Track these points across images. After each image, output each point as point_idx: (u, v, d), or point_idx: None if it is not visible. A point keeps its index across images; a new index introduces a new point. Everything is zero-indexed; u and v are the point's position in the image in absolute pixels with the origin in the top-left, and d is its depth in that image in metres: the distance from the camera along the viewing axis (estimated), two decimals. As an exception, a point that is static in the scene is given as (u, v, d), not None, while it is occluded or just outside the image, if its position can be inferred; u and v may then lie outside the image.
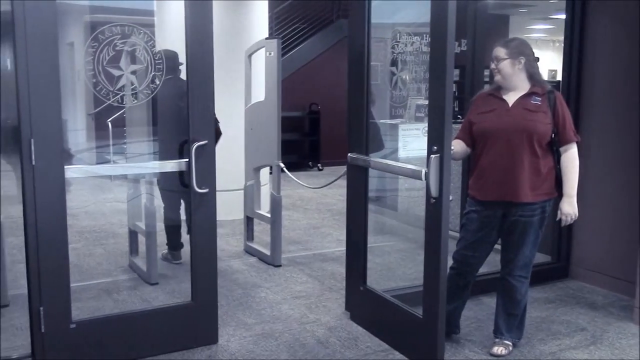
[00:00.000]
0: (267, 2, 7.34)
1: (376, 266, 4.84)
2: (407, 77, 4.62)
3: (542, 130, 3.40)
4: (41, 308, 3.27)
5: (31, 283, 3.25)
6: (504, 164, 3.42)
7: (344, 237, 4.31)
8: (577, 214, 3.51)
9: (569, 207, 3.49)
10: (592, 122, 4.80)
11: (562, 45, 4.98)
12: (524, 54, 3.47)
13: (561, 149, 3.49)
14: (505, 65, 3.46)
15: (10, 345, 3.70)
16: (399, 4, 4.98)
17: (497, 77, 3.51)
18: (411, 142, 4.81)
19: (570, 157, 3.48)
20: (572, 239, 5.01)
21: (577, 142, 3.51)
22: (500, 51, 3.48)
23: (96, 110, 5.63)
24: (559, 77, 5.08)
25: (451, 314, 3.69)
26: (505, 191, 3.45)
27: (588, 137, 4.82)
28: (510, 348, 3.67)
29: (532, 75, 3.50)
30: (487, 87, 3.94)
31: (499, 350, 3.64)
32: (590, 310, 4.39)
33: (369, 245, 4.06)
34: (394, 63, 4.42)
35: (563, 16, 4.97)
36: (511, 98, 3.49)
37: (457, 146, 3.53)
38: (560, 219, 3.54)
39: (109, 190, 7.81)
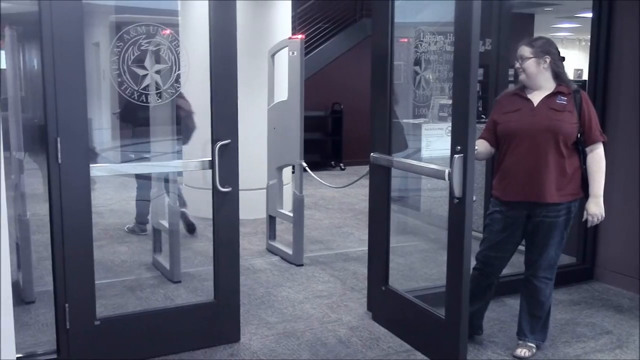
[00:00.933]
0: (290, 2, 7.35)
1: (398, 266, 4.82)
2: (431, 77, 4.60)
3: (567, 130, 3.36)
4: (66, 305, 3.31)
5: (57, 280, 3.29)
6: (529, 164, 3.38)
7: (366, 236, 4.30)
8: (603, 215, 3.47)
9: (596, 208, 3.44)
10: (618, 122, 4.74)
11: (589, 44, 4.92)
12: (550, 53, 3.42)
13: (587, 149, 3.43)
14: (530, 65, 3.41)
15: (35, 341, 3.76)
16: (423, 3, 4.96)
17: (522, 77, 3.47)
18: (434, 142, 4.79)
19: (597, 157, 3.42)
20: (597, 240, 4.94)
21: (603, 142, 3.46)
22: (525, 50, 3.43)
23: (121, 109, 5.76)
24: (585, 77, 5.02)
25: (474, 315, 3.67)
26: (530, 191, 3.40)
27: (614, 137, 4.75)
28: (534, 350, 3.63)
29: (558, 74, 3.45)
30: (511, 87, 3.90)
31: (522, 352, 3.60)
32: (615, 313, 4.33)
33: (391, 245, 4.05)
34: (417, 62, 4.40)
35: (590, 15, 4.91)
36: (536, 98, 3.44)
37: (481, 146, 3.50)
38: (587, 220, 3.50)
39: (134, 188, 7.88)
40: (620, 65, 4.72)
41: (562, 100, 3.41)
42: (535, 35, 3.87)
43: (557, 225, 3.44)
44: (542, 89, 3.45)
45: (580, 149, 3.43)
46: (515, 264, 3.94)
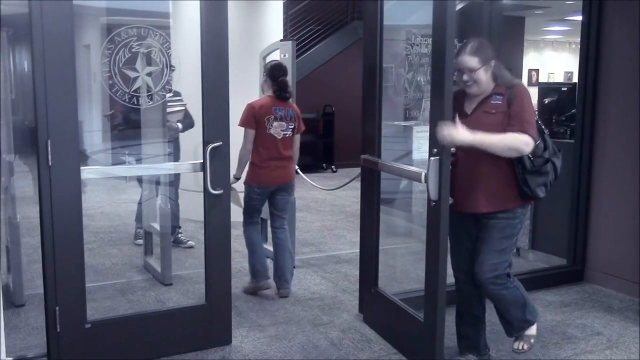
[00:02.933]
0: (282, 4, 7.36)
1: (390, 268, 4.83)
2: (422, 79, 4.61)
3: (497, 133, 3.10)
4: (57, 308, 3.29)
5: (47, 283, 3.28)
6: (464, 174, 3.23)
7: (357, 239, 4.31)
8: (452, 140, 3.03)
9: (455, 132, 3.01)
10: (607, 124, 4.77)
11: (579, 47, 4.94)
12: (492, 56, 3.19)
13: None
14: (480, 75, 3.16)
15: (26, 344, 3.73)
16: (415, 6, 4.98)
17: (474, 89, 3.19)
18: (425, 144, 4.80)
19: (507, 134, 3.07)
20: (587, 241, 4.97)
21: (527, 135, 3.08)
22: (471, 61, 3.15)
23: (112, 111, 5.72)
24: (575, 79, 5.05)
25: (475, 335, 3.52)
26: (465, 204, 3.26)
27: (604, 139, 4.78)
28: (531, 341, 3.60)
29: (497, 76, 3.23)
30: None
31: (519, 345, 3.61)
32: (606, 314, 4.36)
33: (385, 247, 4.06)
34: (407, 65, 4.42)
35: (580, 17, 4.94)
36: (473, 103, 3.24)
37: None
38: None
39: (124, 191, 7.85)
40: (610, 67, 4.75)
41: (496, 100, 3.19)
42: (526, 38, 3.72)
43: (498, 229, 3.25)
44: (483, 94, 3.24)
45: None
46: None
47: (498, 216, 3.25)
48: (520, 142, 3.09)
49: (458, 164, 3.24)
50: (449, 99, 3.07)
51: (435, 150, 3.12)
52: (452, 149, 3.16)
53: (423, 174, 3.19)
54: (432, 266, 3.26)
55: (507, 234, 3.29)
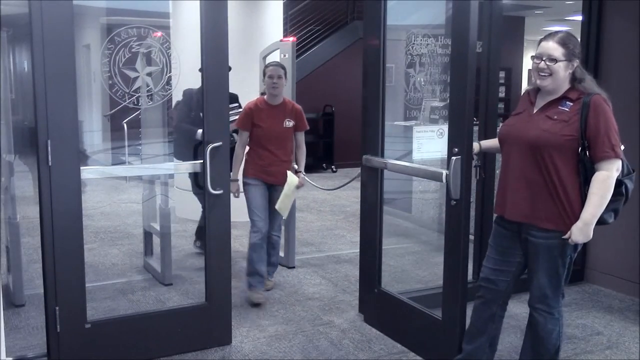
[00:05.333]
0: (282, 4, 7.36)
1: (389, 268, 4.83)
2: (422, 79, 4.61)
3: (552, 142, 2.80)
4: (57, 308, 3.29)
5: (47, 283, 3.28)
6: (509, 176, 2.97)
7: (357, 239, 4.30)
8: (588, 239, 2.88)
9: (578, 234, 2.82)
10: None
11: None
12: (578, 56, 2.87)
13: (595, 167, 2.80)
14: (560, 69, 2.82)
15: (26, 344, 3.73)
16: (414, 6, 4.98)
17: (547, 82, 2.85)
18: (425, 144, 4.81)
19: (598, 178, 2.77)
20: (587, 242, 4.95)
21: (616, 159, 2.80)
22: (556, 50, 2.81)
23: (112, 111, 5.69)
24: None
25: (476, 352, 3.19)
26: (506, 207, 3.00)
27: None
28: None
29: (578, 79, 2.89)
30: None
31: None
32: (606, 314, 4.35)
33: (383, 248, 4.05)
34: (408, 65, 4.41)
35: (580, 17, 4.94)
36: (541, 102, 2.93)
37: (492, 141, 3.31)
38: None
39: (124, 191, 7.86)
40: (610, 67, 4.75)
41: (565, 106, 2.85)
42: (526, 38, 3.65)
43: (545, 248, 2.90)
44: (554, 94, 2.90)
45: (582, 168, 2.82)
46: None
47: (549, 234, 2.89)
48: (611, 176, 2.79)
49: (503, 163, 3.03)
50: (471, 99, 3.10)
51: (456, 149, 3.14)
52: (476, 150, 3.18)
53: (444, 173, 3.20)
54: (453, 266, 3.27)
55: (561, 254, 2.91)
